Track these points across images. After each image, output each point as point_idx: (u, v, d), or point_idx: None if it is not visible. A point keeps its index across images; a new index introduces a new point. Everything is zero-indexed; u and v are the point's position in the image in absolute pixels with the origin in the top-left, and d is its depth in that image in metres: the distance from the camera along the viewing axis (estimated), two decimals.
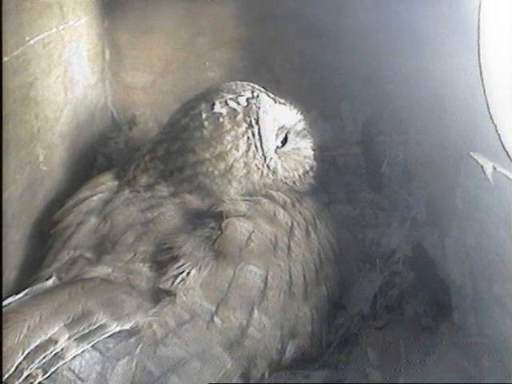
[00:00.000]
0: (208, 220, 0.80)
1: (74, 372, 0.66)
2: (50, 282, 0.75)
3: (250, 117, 0.87)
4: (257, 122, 0.87)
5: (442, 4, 0.88)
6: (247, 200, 0.83)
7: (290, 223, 0.83)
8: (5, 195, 0.79)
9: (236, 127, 0.86)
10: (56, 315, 0.67)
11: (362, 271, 0.92)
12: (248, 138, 0.87)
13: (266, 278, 0.77)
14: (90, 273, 0.77)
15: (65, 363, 0.66)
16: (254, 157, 0.87)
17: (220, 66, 1.26)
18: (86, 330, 0.68)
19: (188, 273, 0.75)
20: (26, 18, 0.84)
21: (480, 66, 0.72)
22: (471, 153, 0.78)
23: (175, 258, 0.76)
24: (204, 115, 0.87)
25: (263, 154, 0.88)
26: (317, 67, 1.24)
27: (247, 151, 0.86)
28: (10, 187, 0.81)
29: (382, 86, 1.14)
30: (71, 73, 1.05)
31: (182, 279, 0.74)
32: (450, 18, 0.86)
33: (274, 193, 0.86)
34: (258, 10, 1.25)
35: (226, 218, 0.79)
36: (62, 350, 0.66)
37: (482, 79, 0.72)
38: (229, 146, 0.86)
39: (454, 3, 0.83)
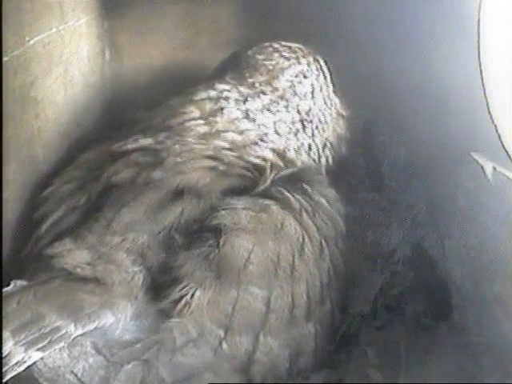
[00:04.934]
0: (206, 235, 0.75)
1: (76, 375, 0.65)
2: (10, 287, 0.70)
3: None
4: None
5: (442, 4, 0.88)
6: (249, 208, 0.78)
7: (301, 239, 0.78)
8: (5, 195, 0.79)
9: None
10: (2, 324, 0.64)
11: (362, 272, 0.92)
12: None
13: (269, 299, 0.74)
14: (65, 259, 0.73)
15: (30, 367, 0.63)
16: None
17: None
18: (36, 335, 0.64)
19: (192, 295, 0.71)
20: (26, 18, 0.84)
21: (480, 66, 0.72)
22: (471, 153, 0.78)
23: (177, 280, 0.73)
24: None
25: None
26: None
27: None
28: (9, 187, 0.81)
29: (382, 85, 1.14)
30: (71, 73, 1.05)
31: (187, 302, 0.71)
32: (450, 18, 0.86)
33: (290, 196, 0.81)
34: (258, 10, 1.25)
35: (225, 234, 0.74)
36: (8, 355, 0.62)
37: (482, 79, 0.72)
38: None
39: (454, 3, 0.83)
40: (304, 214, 0.81)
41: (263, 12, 1.24)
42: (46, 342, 0.64)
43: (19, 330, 0.64)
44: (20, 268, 0.80)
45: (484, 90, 0.72)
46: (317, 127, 0.98)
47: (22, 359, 0.62)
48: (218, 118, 0.90)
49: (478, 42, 0.72)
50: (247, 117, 0.92)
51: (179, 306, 0.71)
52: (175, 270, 0.74)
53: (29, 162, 0.87)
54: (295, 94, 0.97)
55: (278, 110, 0.94)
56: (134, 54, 1.27)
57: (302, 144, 0.95)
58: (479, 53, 0.72)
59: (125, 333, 0.69)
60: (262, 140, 0.90)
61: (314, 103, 0.99)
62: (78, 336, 0.66)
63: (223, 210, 0.77)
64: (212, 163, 0.84)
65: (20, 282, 0.70)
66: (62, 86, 1.00)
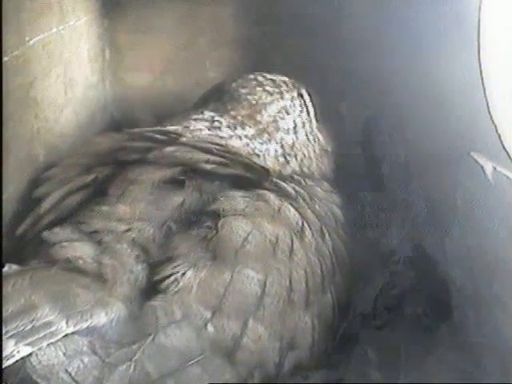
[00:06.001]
0: (204, 218, 0.76)
1: (70, 375, 0.63)
2: (5, 269, 0.68)
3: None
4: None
5: (442, 4, 0.88)
6: (247, 196, 0.78)
7: (300, 223, 0.78)
8: (5, 195, 0.79)
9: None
10: None
11: (362, 271, 0.92)
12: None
13: (265, 283, 0.72)
14: (66, 249, 0.71)
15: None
16: None
17: (220, 66, 1.27)
18: (28, 327, 0.62)
19: (183, 273, 0.70)
20: (26, 17, 0.84)
21: (480, 66, 0.72)
22: (471, 153, 0.78)
23: (170, 259, 0.72)
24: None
25: None
26: (317, 67, 1.24)
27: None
28: (9, 187, 0.81)
29: (382, 85, 1.14)
30: (71, 73, 1.05)
31: (176, 279, 0.70)
32: (450, 18, 0.86)
33: (285, 185, 0.82)
34: (258, 10, 1.25)
35: (223, 217, 0.74)
36: None
37: (482, 79, 0.72)
38: None
39: (454, 3, 0.83)
40: (300, 201, 0.82)
41: (263, 12, 1.24)
42: (36, 337, 0.62)
43: (11, 319, 0.62)
44: (16, 248, 0.79)
45: (484, 90, 0.72)
46: (302, 161, 0.98)
47: (11, 353, 0.61)
48: (219, 132, 0.93)
49: (478, 42, 0.72)
50: (240, 139, 0.93)
51: (167, 281, 0.69)
52: (170, 250, 0.73)
53: (29, 161, 0.88)
54: (278, 128, 0.97)
55: (264, 141, 0.95)
56: (134, 54, 1.28)
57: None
58: (479, 53, 0.72)
59: (122, 335, 0.68)
60: (259, 156, 0.93)
61: (297, 138, 0.99)
62: (68, 333, 0.65)
63: (221, 197, 0.78)
64: (222, 148, 0.86)
65: (14, 266, 0.69)
66: (62, 86, 1.01)
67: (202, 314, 0.69)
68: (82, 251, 0.72)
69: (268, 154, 0.94)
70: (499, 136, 0.70)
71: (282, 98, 1.00)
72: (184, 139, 0.87)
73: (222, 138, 0.91)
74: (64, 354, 0.65)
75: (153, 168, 0.81)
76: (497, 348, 0.72)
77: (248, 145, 0.93)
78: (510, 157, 0.69)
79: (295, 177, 0.87)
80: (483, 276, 0.76)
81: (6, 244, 0.78)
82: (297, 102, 1.01)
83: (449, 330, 0.82)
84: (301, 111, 1.01)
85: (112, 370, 0.65)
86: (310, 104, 1.03)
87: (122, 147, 0.86)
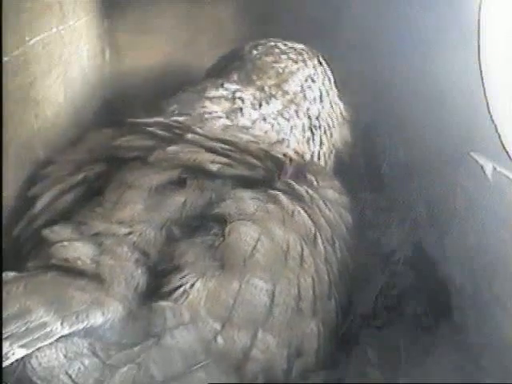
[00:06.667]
0: (211, 224, 0.73)
1: (70, 377, 0.62)
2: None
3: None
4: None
5: (442, 4, 0.88)
6: (256, 198, 0.75)
7: (312, 230, 0.76)
8: (5, 195, 0.79)
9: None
10: None
11: (362, 272, 0.92)
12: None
13: (273, 293, 0.70)
14: (66, 249, 0.70)
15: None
16: None
17: None
18: (22, 329, 0.61)
19: (192, 284, 0.68)
20: (26, 17, 0.84)
21: (480, 66, 0.72)
22: (471, 153, 0.78)
23: (177, 268, 0.69)
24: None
25: None
26: None
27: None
28: (9, 187, 0.81)
29: (382, 86, 1.14)
30: (71, 73, 1.05)
31: (185, 291, 0.67)
32: (449, 18, 0.86)
33: (299, 187, 0.79)
34: (258, 10, 1.25)
35: (230, 222, 0.71)
36: None
37: (482, 79, 0.72)
38: None
39: (454, 3, 0.83)
40: (314, 206, 0.79)
41: (263, 12, 1.24)
42: (30, 338, 0.61)
43: (6, 323, 0.61)
44: (14, 247, 0.78)
45: (484, 90, 0.72)
46: (325, 132, 0.97)
47: (6, 354, 0.60)
48: (240, 117, 0.89)
49: (478, 42, 0.72)
50: (265, 120, 0.90)
51: (176, 293, 0.67)
52: (176, 258, 0.71)
53: (29, 161, 0.87)
54: (305, 98, 0.96)
55: (290, 116, 0.93)
56: (134, 54, 1.28)
57: (313, 152, 0.95)
58: (479, 53, 0.72)
59: (122, 336, 0.67)
60: (283, 141, 0.90)
61: (323, 107, 0.98)
62: (64, 335, 0.64)
63: (229, 199, 0.75)
64: (228, 147, 0.82)
65: (10, 274, 0.68)
66: (62, 86, 1.01)
67: (211, 326, 0.67)
68: (81, 252, 0.71)
69: (293, 133, 0.92)
70: (499, 136, 0.70)
71: (306, 65, 0.98)
72: (189, 136, 0.82)
73: (242, 128, 0.87)
74: (64, 356, 0.64)
75: (152, 171, 0.79)
76: (497, 348, 0.72)
77: (273, 127, 0.90)
78: (510, 157, 0.69)
79: (308, 176, 0.84)
80: (483, 276, 0.76)
81: (5, 244, 0.78)
82: (319, 69, 1.00)
83: (449, 330, 0.82)
84: (323, 79, 1.00)
85: (113, 372, 0.64)
86: (329, 71, 1.02)
87: (121, 144, 0.83)
